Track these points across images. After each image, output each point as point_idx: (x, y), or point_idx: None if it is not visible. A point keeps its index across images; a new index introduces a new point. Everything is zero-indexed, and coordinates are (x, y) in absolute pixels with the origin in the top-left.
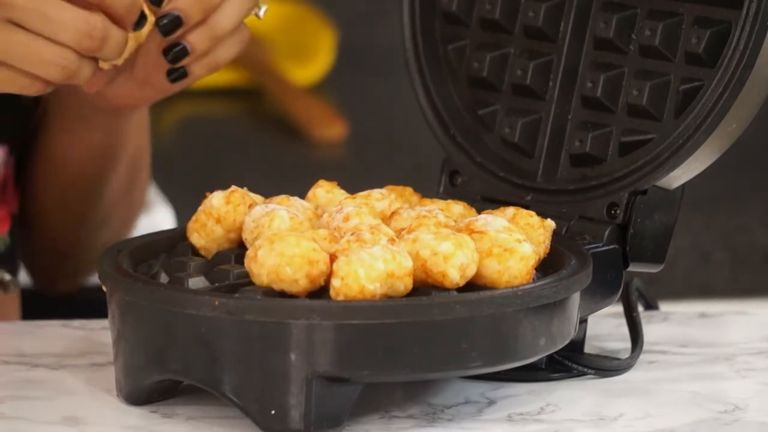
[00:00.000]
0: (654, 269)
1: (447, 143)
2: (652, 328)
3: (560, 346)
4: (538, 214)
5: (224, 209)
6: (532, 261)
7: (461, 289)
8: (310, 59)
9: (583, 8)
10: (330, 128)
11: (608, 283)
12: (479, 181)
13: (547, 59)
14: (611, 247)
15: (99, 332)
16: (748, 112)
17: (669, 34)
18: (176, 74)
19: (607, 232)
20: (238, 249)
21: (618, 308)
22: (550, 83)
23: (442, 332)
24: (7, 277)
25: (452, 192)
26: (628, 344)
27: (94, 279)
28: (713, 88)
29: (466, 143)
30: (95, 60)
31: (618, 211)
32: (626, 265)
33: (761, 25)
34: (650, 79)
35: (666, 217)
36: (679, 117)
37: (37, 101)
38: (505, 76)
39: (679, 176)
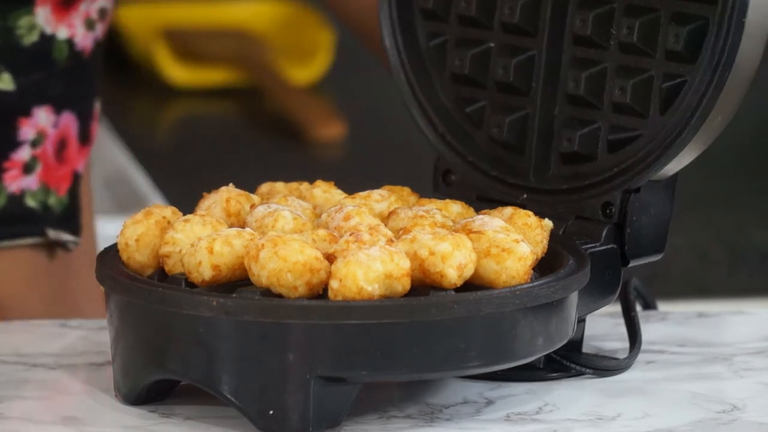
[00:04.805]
0: (655, 258)
1: (436, 142)
2: (650, 328)
3: (558, 346)
4: (536, 213)
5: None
6: (530, 261)
7: (459, 289)
8: (309, 59)
9: (559, 5)
10: (328, 128)
11: (606, 282)
12: (472, 180)
13: (529, 55)
14: (609, 246)
15: (97, 332)
16: (733, 104)
17: (647, 32)
18: None
19: (604, 232)
20: None
21: (616, 308)
22: (534, 80)
23: (440, 332)
24: (66, 237)
25: (448, 191)
26: (626, 344)
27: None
28: (696, 84)
29: (456, 142)
30: None
31: (613, 210)
32: (626, 263)
33: (737, 20)
34: (633, 76)
35: (662, 207)
36: (665, 113)
37: (94, 69)
38: (489, 73)
39: (670, 170)
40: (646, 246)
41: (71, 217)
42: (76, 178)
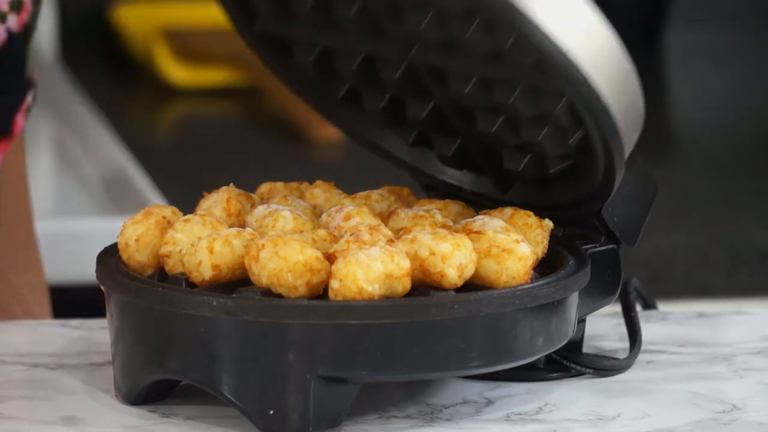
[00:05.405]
0: (653, 199)
1: (405, 167)
2: (651, 328)
3: (558, 346)
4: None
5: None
6: (530, 261)
7: (459, 290)
8: None
9: (432, 72)
10: (328, 128)
11: (606, 283)
12: (456, 195)
13: (436, 101)
14: (609, 246)
15: (97, 332)
16: (639, 125)
17: (528, 104)
18: None
19: (603, 236)
20: None
21: (616, 308)
22: (453, 119)
23: (440, 332)
24: None
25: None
26: (627, 344)
27: (92, 278)
28: (595, 138)
29: (422, 167)
30: None
31: (593, 221)
32: (633, 244)
33: (590, 97)
34: (539, 129)
35: (638, 178)
36: (585, 146)
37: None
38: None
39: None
40: (638, 215)
41: None
42: None
